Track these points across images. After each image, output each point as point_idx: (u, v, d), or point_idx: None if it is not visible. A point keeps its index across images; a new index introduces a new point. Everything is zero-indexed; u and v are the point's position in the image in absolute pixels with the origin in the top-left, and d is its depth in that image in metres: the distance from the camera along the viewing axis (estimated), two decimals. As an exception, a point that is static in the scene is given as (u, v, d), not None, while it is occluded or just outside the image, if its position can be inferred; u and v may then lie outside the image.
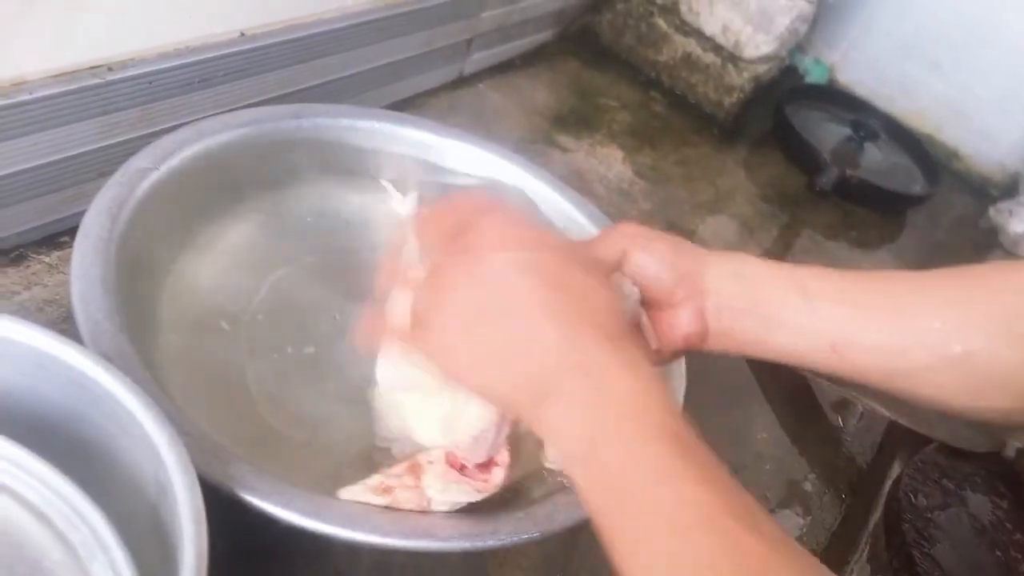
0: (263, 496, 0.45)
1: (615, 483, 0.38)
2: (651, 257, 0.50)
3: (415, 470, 0.49)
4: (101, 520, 0.40)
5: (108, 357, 0.48)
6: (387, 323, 0.50)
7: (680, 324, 0.50)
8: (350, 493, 0.49)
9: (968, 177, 1.48)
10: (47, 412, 0.45)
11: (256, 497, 0.45)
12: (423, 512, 0.48)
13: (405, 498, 0.48)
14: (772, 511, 0.76)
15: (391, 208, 0.76)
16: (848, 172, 1.24)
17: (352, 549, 0.47)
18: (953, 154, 1.48)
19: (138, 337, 0.53)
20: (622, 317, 0.42)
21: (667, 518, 0.36)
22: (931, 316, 0.46)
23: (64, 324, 0.62)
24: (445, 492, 0.48)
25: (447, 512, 0.48)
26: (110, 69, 0.64)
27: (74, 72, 0.62)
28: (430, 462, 0.49)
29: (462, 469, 0.49)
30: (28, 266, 0.65)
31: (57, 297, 0.64)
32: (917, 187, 1.33)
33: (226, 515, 0.44)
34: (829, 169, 1.23)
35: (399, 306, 0.49)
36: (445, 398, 0.49)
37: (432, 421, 0.50)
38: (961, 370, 0.46)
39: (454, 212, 0.48)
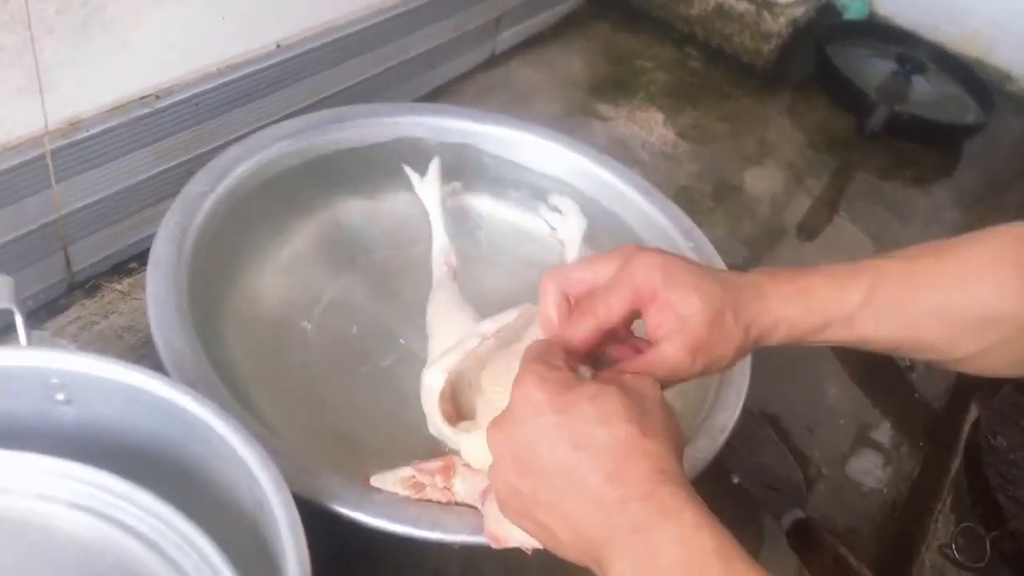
0: (353, 506, 0.47)
1: None
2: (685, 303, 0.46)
3: (447, 471, 0.50)
4: (208, 544, 0.42)
5: (192, 384, 0.50)
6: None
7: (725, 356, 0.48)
8: (380, 481, 0.50)
9: (1024, 98, 1.43)
10: (143, 443, 0.47)
11: (347, 507, 0.47)
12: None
13: (434, 497, 0.50)
14: (850, 468, 0.76)
15: (417, 191, 0.76)
16: (897, 109, 1.21)
17: (443, 547, 0.49)
18: (1006, 76, 1.43)
19: (216, 357, 0.55)
20: (657, 457, 0.40)
21: None
22: (982, 304, 0.47)
23: (143, 349, 0.64)
24: (470, 496, 0.49)
25: None
26: (158, 97, 0.65)
27: (125, 104, 0.63)
28: (467, 466, 0.50)
29: None
30: (103, 295, 0.68)
31: (133, 323, 0.66)
32: (971, 116, 1.29)
33: (321, 524, 0.46)
34: (877, 108, 1.19)
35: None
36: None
37: (474, 460, 0.51)
38: (1013, 348, 0.48)
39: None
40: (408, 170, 0.76)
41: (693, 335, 0.45)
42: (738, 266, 0.93)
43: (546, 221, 0.80)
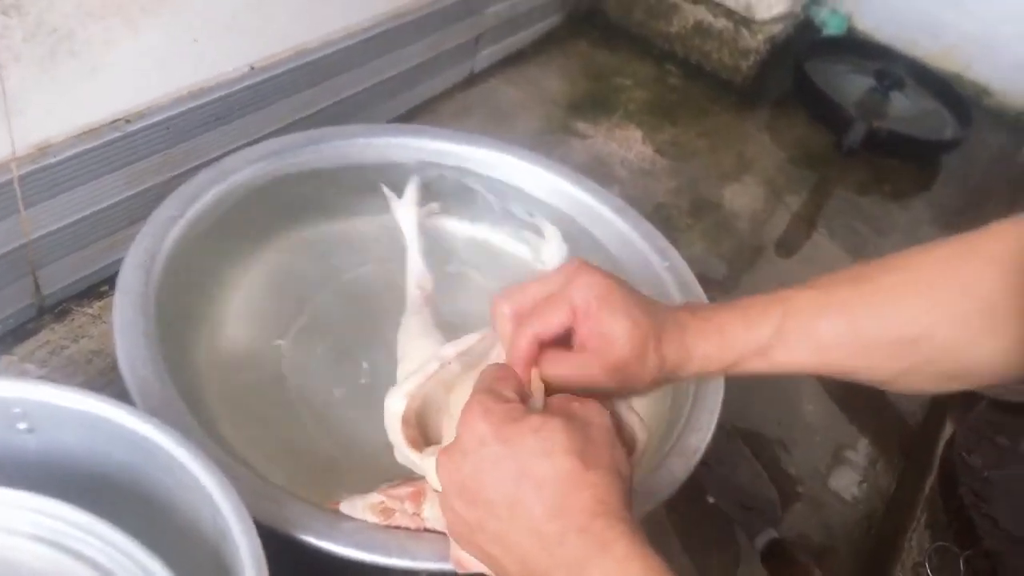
0: (318, 534, 0.47)
1: None
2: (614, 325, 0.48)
3: (417, 497, 0.50)
4: (167, 574, 0.42)
5: (156, 412, 0.50)
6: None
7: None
8: (349, 507, 0.50)
9: (1001, 113, 1.44)
10: (107, 471, 0.47)
11: (312, 535, 0.47)
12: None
13: (404, 523, 0.49)
14: (826, 485, 0.76)
15: (394, 213, 0.75)
16: (875, 124, 1.21)
17: (411, 573, 0.49)
18: (984, 91, 1.44)
19: (185, 384, 0.55)
20: (597, 488, 0.40)
21: None
22: (894, 328, 0.48)
23: (112, 373, 0.63)
24: (440, 522, 0.49)
25: None
26: (128, 121, 0.65)
27: (95, 129, 0.63)
28: (435, 491, 0.49)
29: None
30: (73, 319, 0.68)
31: (103, 347, 0.66)
32: (948, 131, 1.30)
33: (287, 551, 0.46)
34: (855, 125, 1.20)
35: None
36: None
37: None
38: (932, 369, 0.48)
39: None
40: (386, 190, 0.76)
41: (615, 355, 0.47)
42: (717, 283, 0.94)
43: (527, 244, 0.80)
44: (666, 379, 0.50)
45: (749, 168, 1.15)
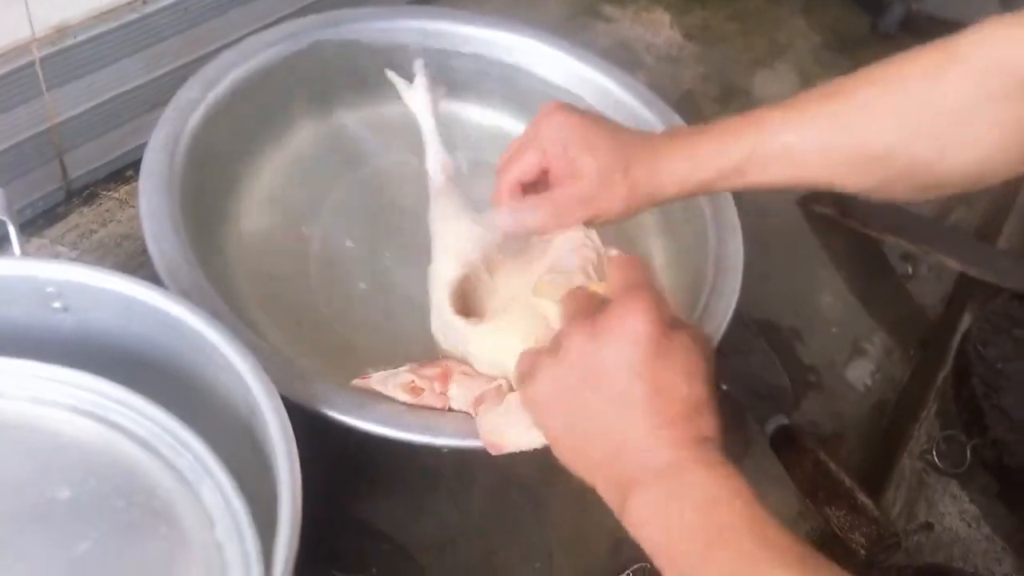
0: (344, 411, 0.49)
1: None
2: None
3: (445, 378, 0.51)
4: (202, 445, 0.44)
5: (187, 293, 0.51)
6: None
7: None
8: (380, 382, 0.52)
9: (1051, -4, 1.37)
10: (141, 349, 0.49)
11: (338, 412, 0.49)
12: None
13: (431, 402, 0.51)
14: (840, 375, 0.77)
15: (405, 99, 0.72)
16: (914, 7, 1.16)
17: (433, 449, 0.51)
18: (1034, -29, 1.37)
19: (211, 266, 0.56)
20: (712, 418, 0.42)
21: None
22: (864, 145, 0.49)
23: (142, 256, 0.64)
24: (464, 402, 0.51)
25: None
26: (145, 2, 0.64)
27: (113, 10, 0.63)
28: (463, 373, 0.52)
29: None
30: (101, 203, 0.69)
31: (132, 231, 0.67)
32: (992, 12, 1.24)
33: (315, 424, 0.48)
34: (894, 6, 1.15)
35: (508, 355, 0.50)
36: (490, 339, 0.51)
37: (483, 354, 0.52)
38: (905, 182, 0.50)
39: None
40: (392, 76, 0.72)
41: (583, 189, 0.53)
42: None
43: None
44: (644, 202, 0.54)
45: (781, 53, 1.11)
